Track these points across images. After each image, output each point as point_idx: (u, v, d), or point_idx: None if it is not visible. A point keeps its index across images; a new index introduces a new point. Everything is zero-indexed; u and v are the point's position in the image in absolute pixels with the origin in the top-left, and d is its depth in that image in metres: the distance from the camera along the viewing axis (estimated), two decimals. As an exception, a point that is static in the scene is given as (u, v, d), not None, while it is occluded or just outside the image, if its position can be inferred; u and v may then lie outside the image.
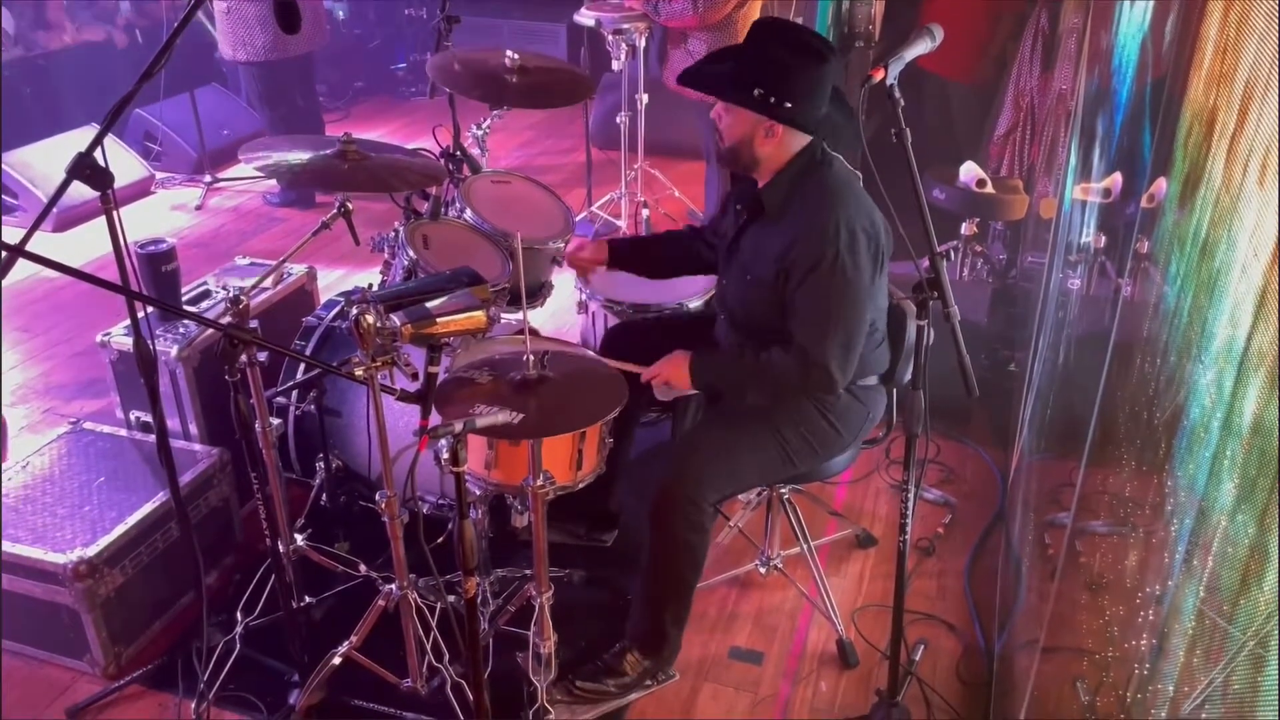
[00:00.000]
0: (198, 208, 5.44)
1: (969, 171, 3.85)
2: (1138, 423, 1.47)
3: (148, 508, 2.58)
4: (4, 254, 1.73)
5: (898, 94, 1.91)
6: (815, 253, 2.20)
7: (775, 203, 2.31)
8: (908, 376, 2.49)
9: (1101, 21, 2.78)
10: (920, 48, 1.98)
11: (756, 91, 2.17)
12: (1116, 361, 1.71)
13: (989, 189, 3.85)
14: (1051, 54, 3.98)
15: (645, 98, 4.66)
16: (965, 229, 3.92)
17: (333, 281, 4.43)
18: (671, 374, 2.39)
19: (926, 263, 1.97)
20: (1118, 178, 2.21)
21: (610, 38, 4.49)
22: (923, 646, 2.63)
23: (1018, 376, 3.47)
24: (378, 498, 2.11)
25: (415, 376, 1.88)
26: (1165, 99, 1.67)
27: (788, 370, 2.27)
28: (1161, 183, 1.66)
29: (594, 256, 2.73)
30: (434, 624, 2.27)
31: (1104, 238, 2.29)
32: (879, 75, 1.90)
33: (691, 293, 3.07)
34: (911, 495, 2.14)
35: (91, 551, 2.43)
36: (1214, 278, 1.20)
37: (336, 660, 2.29)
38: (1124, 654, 1.43)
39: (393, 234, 2.85)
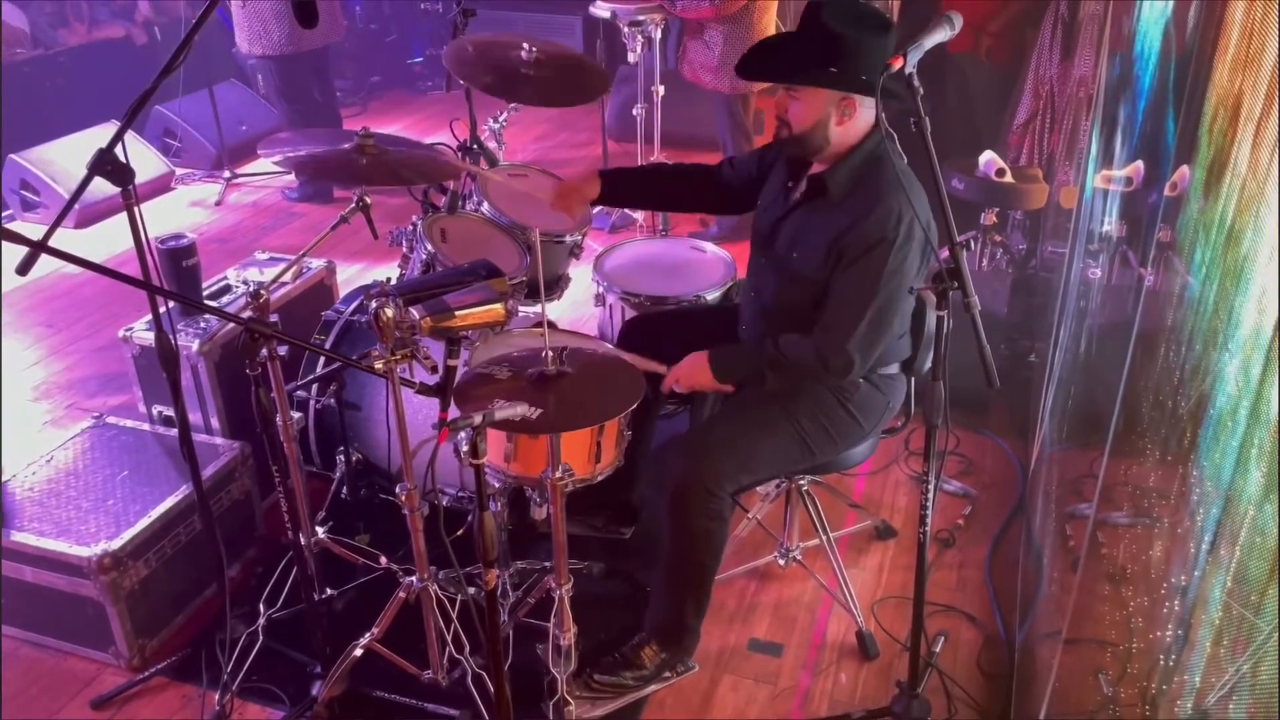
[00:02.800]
0: (217, 203, 5.47)
1: (988, 160, 3.82)
2: (1162, 412, 1.46)
3: (170, 501, 2.61)
4: (27, 250, 1.75)
5: (917, 82, 1.89)
6: (872, 237, 2.18)
7: (840, 187, 2.26)
8: (927, 366, 2.48)
9: (1123, 7, 2.76)
10: (939, 35, 1.96)
11: (831, 70, 2.15)
12: (1139, 351, 1.69)
13: (1008, 178, 3.83)
14: (1071, 42, 3.95)
15: (661, 90, 4.66)
16: (985, 218, 3.90)
17: (351, 276, 4.45)
18: (693, 374, 2.38)
19: (946, 252, 1.96)
20: (1139, 166, 2.19)
21: (626, 30, 4.49)
22: (943, 638, 2.62)
23: (1038, 367, 3.45)
24: (398, 490, 2.12)
25: (434, 369, 1.89)
26: (1189, 85, 1.66)
27: (806, 355, 2.27)
28: (1184, 170, 1.65)
29: (580, 189, 2.62)
30: (454, 616, 2.27)
31: (1125, 226, 2.27)
32: (897, 64, 1.89)
33: (709, 285, 3.06)
34: (931, 486, 2.13)
35: (116, 545, 2.45)
36: (1240, 264, 1.18)
37: (358, 652, 2.30)
38: (1147, 645, 1.42)
39: (410, 228, 2.86)
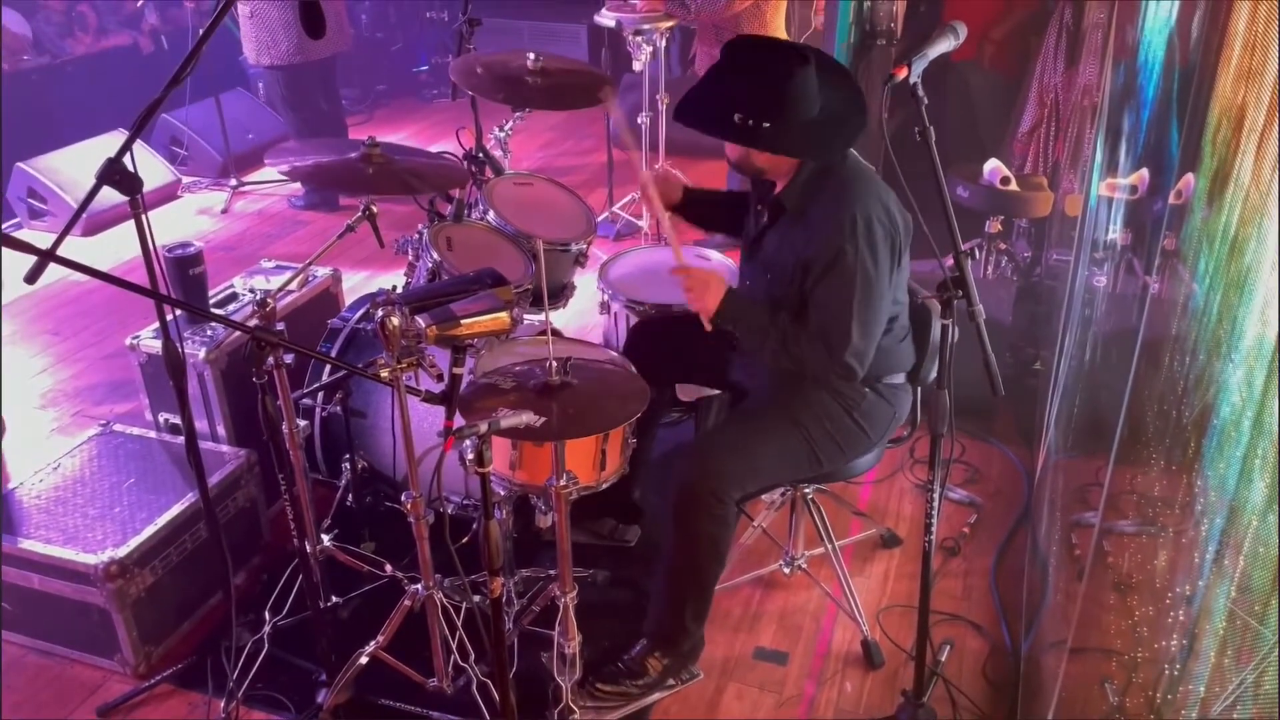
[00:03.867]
0: (223, 211, 5.49)
1: (993, 169, 3.82)
2: (1166, 421, 1.46)
3: (177, 509, 2.61)
4: (36, 258, 1.76)
5: (921, 92, 1.90)
6: (833, 249, 2.20)
7: (794, 203, 2.32)
8: (933, 375, 2.48)
9: (1127, 16, 2.76)
10: (944, 45, 1.98)
11: (736, 117, 2.16)
12: (1144, 360, 1.69)
13: (1013, 186, 3.82)
14: (1075, 50, 3.96)
15: (666, 98, 4.67)
16: (989, 227, 3.89)
17: (357, 284, 4.46)
18: (705, 290, 2.31)
19: (951, 261, 1.96)
20: (1144, 174, 2.19)
21: (631, 38, 4.50)
22: (948, 647, 2.62)
23: (1043, 375, 3.45)
24: (403, 498, 2.13)
25: (440, 378, 1.90)
26: (1193, 95, 1.66)
27: (811, 353, 2.27)
28: (1189, 179, 1.65)
29: (669, 193, 2.65)
30: (460, 624, 2.28)
31: (1130, 234, 2.27)
32: (902, 74, 1.90)
33: (714, 293, 3.07)
34: (936, 495, 2.13)
35: (122, 552, 2.46)
36: (1244, 275, 1.18)
37: (363, 660, 2.30)
38: (1153, 655, 1.42)
39: (416, 236, 2.86)
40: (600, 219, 4.82)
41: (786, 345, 2.30)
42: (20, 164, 5.10)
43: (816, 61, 2.19)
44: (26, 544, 2.50)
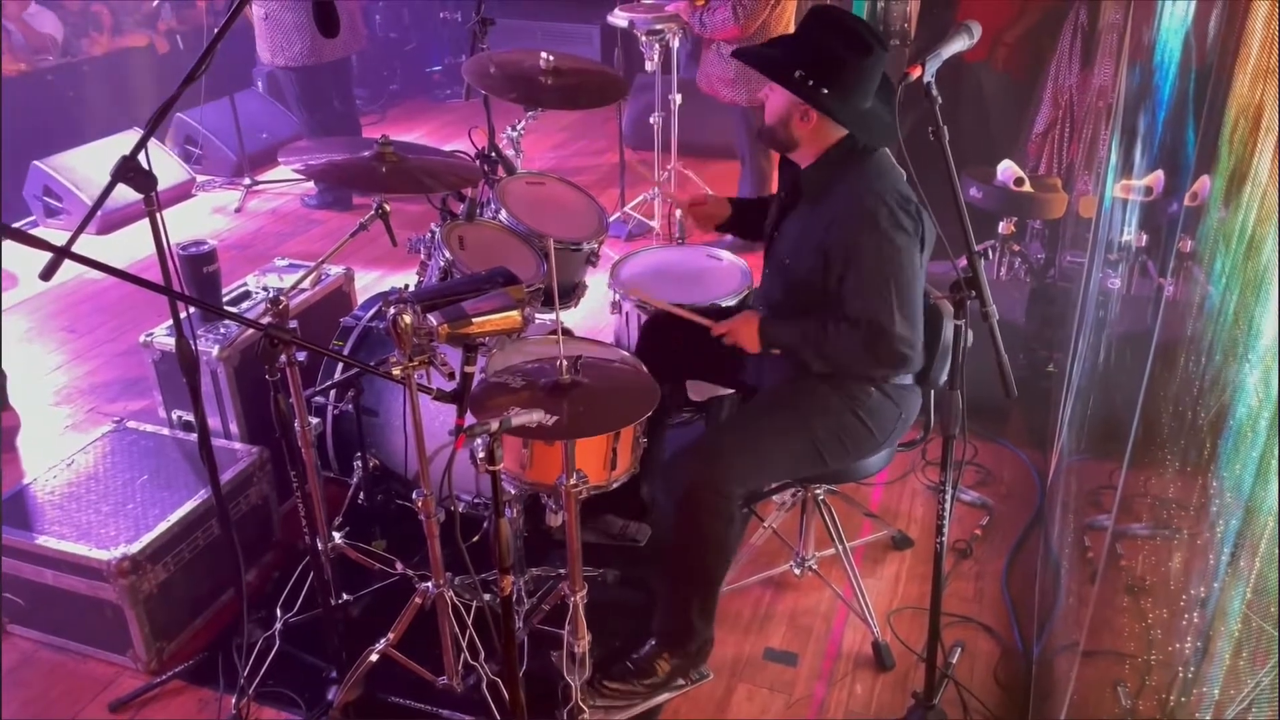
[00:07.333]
0: (237, 210, 5.52)
1: (1006, 170, 3.81)
2: (1181, 423, 1.45)
3: (189, 505, 2.62)
4: (51, 255, 1.77)
5: (935, 92, 1.89)
6: (855, 231, 2.21)
7: (815, 187, 2.32)
8: (944, 377, 2.47)
9: (1143, 17, 2.75)
10: (958, 45, 1.97)
11: (797, 73, 2.19)
12: (1159, 361, 1.68)
13: (1027, 187, 3.81)
14: (1090, 51, 3.94)
15: (678, 98, 4.67)
16: (1003, 228, 3.88)
17: (370, 282, 4.47)
18: (743, 330, 2.41)
19: (964, 262, 1.95)
20: (1159, 175, 2.18)
21: (643, 39, 4.51)
22: (960, 649, 2.61)
23: (1056, 377, 3.43)
24: (414, 496, 2.13)
25: (452, 376, 1.90)
26: (1209, 95, 1.65)
27: (853, 344, 2.28)
28: (1205, 180, 1.64)
29: (715, 210, 2.73)
30: (470, 622, 2.28)
31: (1145, 236, 2.26)
32: (916, 73, 1.89)
33: (725, 292, 3.06)
34: (948, 496, 2.12)
35: (135, 548, 2.47)
36: (1261, 275, 1.18)
37: (374, 657, 2.31)
38: (1166, 658, 1.41)
39: (429, 235, 2.87)
40: (612, 219, 4.81)
41: (821, 350, 2.33)
42: (36, 162, 5.13)
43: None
44: (40, 540, 2.52)
